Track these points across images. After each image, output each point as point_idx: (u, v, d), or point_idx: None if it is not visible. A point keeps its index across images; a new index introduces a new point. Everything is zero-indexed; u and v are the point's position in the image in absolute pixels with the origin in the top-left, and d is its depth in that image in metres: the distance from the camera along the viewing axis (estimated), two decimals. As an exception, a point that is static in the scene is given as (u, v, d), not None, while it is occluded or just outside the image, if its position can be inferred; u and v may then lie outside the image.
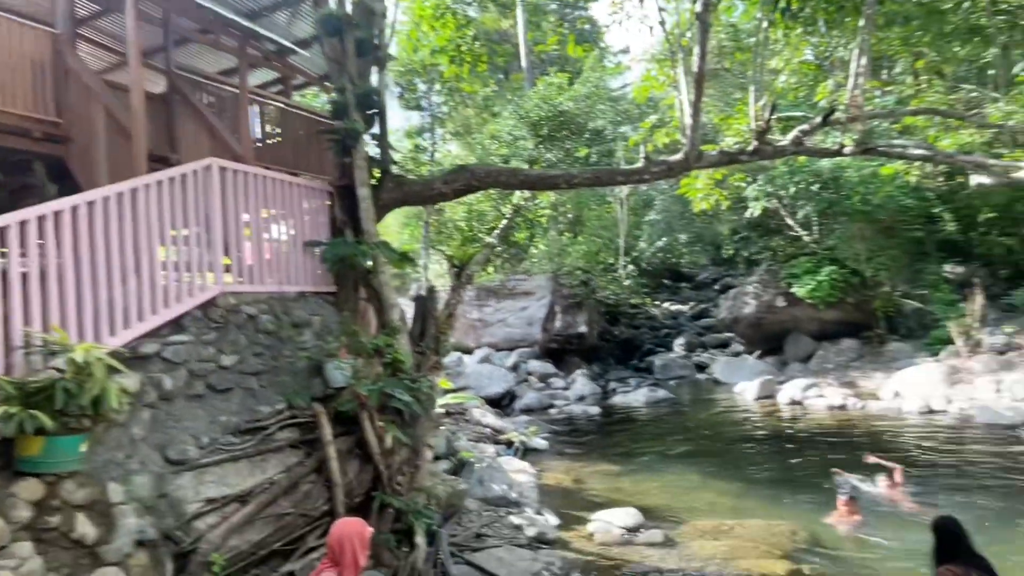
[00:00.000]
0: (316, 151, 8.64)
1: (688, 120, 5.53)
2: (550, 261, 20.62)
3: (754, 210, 16.34)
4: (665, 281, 31.75)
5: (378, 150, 6.97)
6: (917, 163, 9.92)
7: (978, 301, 14.04)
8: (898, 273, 16.70)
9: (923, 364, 13.81)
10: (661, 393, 16.15)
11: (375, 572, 5.64)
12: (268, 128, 8.97)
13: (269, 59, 8.80)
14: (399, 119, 22.66)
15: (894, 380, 13.50)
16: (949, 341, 14.14)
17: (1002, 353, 13.21)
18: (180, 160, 6.78)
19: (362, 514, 5.84)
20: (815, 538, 6.77)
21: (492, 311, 20.55)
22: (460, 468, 8.86)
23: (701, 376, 18.87)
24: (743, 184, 15.34)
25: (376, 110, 6.85)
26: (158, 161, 6.60)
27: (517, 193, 16.66)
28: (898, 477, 7.75)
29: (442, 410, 10.64)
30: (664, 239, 22.92)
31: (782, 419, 12.98)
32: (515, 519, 7.59)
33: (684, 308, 27.41)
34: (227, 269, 5.76)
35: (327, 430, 5.36)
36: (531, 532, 7.21)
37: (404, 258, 6.77)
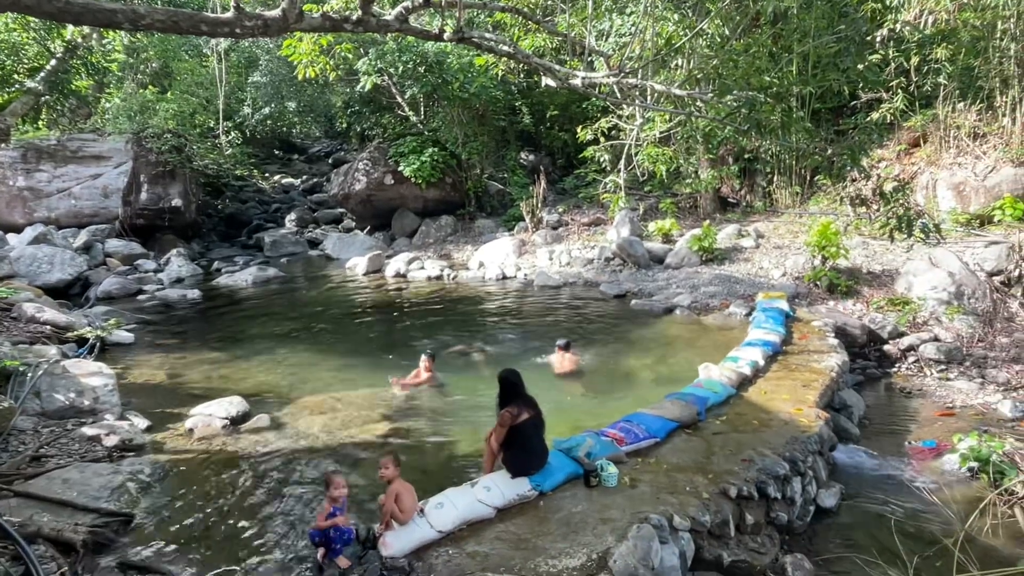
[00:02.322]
0: None
1: (287, -29, 4.86)
2: (130, 120, 17.06)
3: (365, 84, 16.19)
4: (276, 152, 29.91)
5: None
6: (504, 58, 11.00)
7: (542, 185, 17.09)
8: (487, 158, 19.00)
9: (502, 238, 16.31)
10: (271, 272, 15.54)
11: None
12: None
13: None
14: None
15: (480, 252, 15.65)
16: (521, 218, 16.98)
17: (555, 228, 16.50)
18: None
19: None
20: (410, 399, 7.56)
21: (48, 178, 16.34)
22: (4, 381, 7.08)
23: (314, 252, 18.75)
24: (351, 56, 14.89)
25: None
26: None
27: (72, 27, 13.00)
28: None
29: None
30: (272, 105, 21.10)
31: (388, 291, 13.91)
32: (89, 430, 6.49)
33: (296, 182, 26.43)
34: None
35: None
36: (111, 442, 6.28)
37: None
